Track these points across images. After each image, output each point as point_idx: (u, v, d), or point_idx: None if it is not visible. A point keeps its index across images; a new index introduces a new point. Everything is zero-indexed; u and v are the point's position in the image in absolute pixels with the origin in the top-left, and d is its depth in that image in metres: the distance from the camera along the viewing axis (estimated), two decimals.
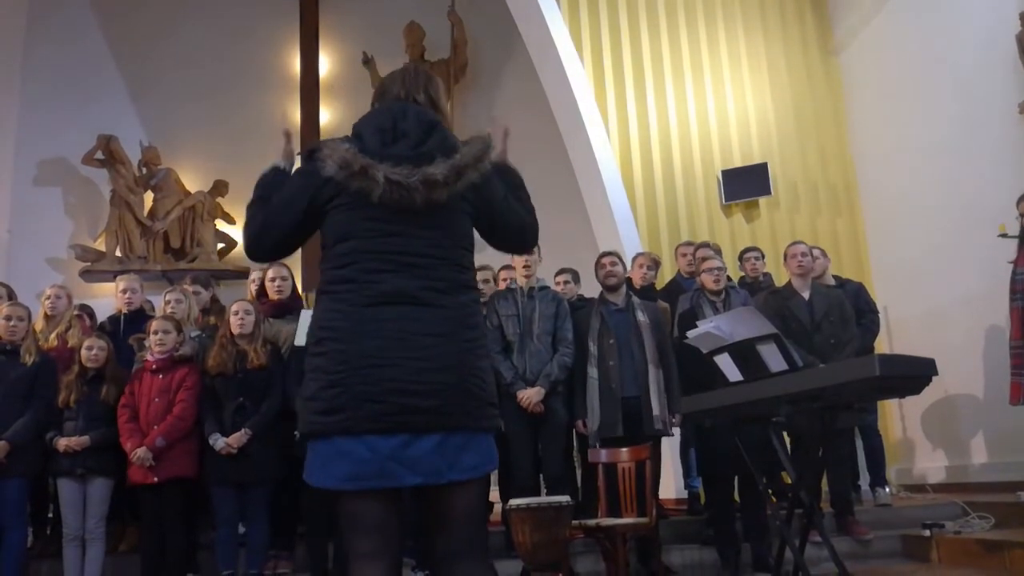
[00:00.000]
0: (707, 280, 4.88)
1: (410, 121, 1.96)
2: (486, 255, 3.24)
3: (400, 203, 1.86)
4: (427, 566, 4.35)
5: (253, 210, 2.04)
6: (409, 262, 1.88)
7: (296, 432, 4.45)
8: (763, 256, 6.01)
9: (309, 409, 1.83)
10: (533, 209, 2.14)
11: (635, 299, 4.89)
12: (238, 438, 4.38)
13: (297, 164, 2.05)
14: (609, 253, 5.00)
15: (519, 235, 2.12)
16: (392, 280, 1.86)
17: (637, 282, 5.51)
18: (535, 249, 4.86)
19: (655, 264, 5.73)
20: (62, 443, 4.36)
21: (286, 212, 1.95)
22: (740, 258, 6.04)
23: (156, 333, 4.48)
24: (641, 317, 4.76)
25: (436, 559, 1.91)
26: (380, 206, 1.86)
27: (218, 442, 4.37)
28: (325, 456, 1.81)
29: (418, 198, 1.86)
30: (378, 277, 1.86)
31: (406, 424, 1.79)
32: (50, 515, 4.86)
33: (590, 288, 5.32)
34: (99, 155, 9.41)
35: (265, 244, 1.99)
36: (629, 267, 5.51)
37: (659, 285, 6.10)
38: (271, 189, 2.03)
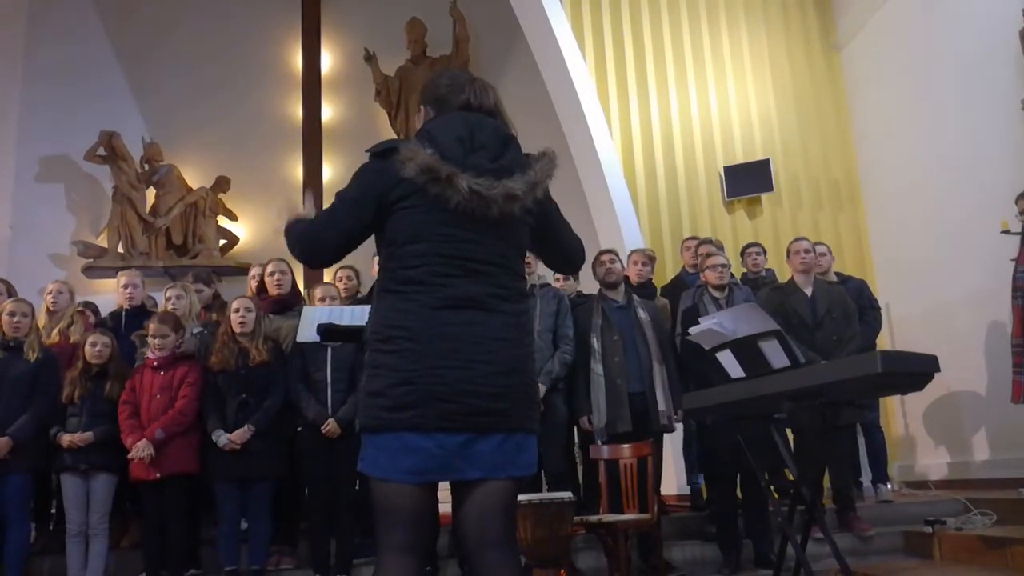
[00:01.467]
0: (710, 276, 4.89)
1: (487, 133, 2.01)
2: None
3: (475, 212, 1.92)
4: (429, 563, 4.36)
5: (298, 229, 2.07)
6: (476, 269, 1.95)
7: (299, 427, 4.51)
8: (764, 252, 6.02)
9: (375, 405, 1.89)
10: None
11: (635, 296, 4.90)
12: (241, 434, 4.39)
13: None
14: (607, 251, 5.00)
15: (573, 250, 2.24)
16: (461, 285, 1.93)
17: (633, 279, 5.49)
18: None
19: (650, 260, 5.71)
20: (65, 439, 4.37)
21: (359, 208, 1.98)
22: (742, 253, 6.04)
23: (154, 337, 4.49)
24: (642, 314, 4.77)
25: (470, 549, 1.96)
26: (454, 212, 1.92)
27: (221, 438, 4.38)
28: (391, 450, 1.88)
29: (495, 209, 1.93)
30: (448, 281, 1.93)
31: (473, 424, 1.88)
32: (53, 511, 4.86)
33: (589, 284, 5.32)
34: (101, 151, 9.41)
35: (328, 243, 2.02)
36: (625, 264, 5.50)
37: (660, 281, 6.10)
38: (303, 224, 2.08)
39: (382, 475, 1.89)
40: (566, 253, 2.25)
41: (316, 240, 2.04)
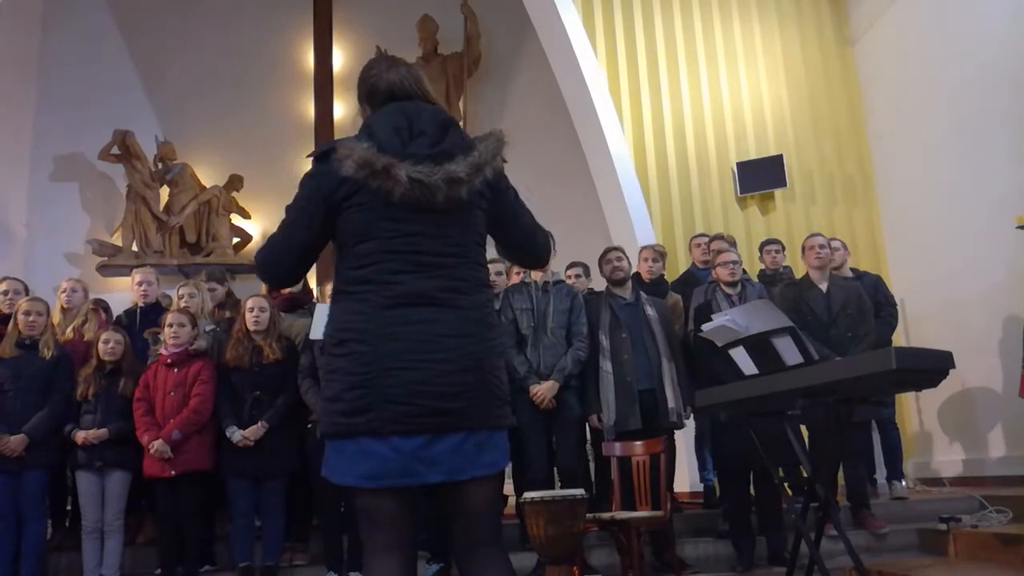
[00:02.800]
0: (722, 273, 4.86)
1: (426, 119, 1.96)
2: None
3: (421, 202, 1.86)
4: (442, 558, 4.37)
5: (257, 256, 2.03)
6: (429, 262, 1.89)
7: (308, 424, 4.52)
8: (783, 248, 5.96)
9: (332, 410, 1.86)
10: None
11: (642, 293, 4.89)
12: (255, 431, 4.42)
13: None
14: (615, 248, 4.99)
15: (533, 240, 2.13)
16: (412, 281, 1.87)
17: (645, 276, 5.46)
18: (550, 243, 4.85)
19: (660, 256, 5.67)
20: (80, 436, 4.41)
21: (307, 217, 1.92)
22: (760, 250, 5.99)
23: (171, 326, 4.51)
24: (650, 311, 4.77)
25: (456, 550, 1.94)
26: (399, 206, 1.86)
27: (235, 435, 4.41)
28: (348, 455, 1.84)
29: (440, 196, 1.87)
30: (398, 278, 1.87)
31: (430, 425, 1.83)
32: (69, 508, 4.90)
33: (600, 282, 5.31)
34: (115, 150, 9.47)
35: (284, 261, 1.97)
36: (635, 261, 5.47)
37: (672, 276, 6.08)
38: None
39: (340, 480, 1.85)
40: (525, 241, 2.13)
41: (273, 262, 1.98)
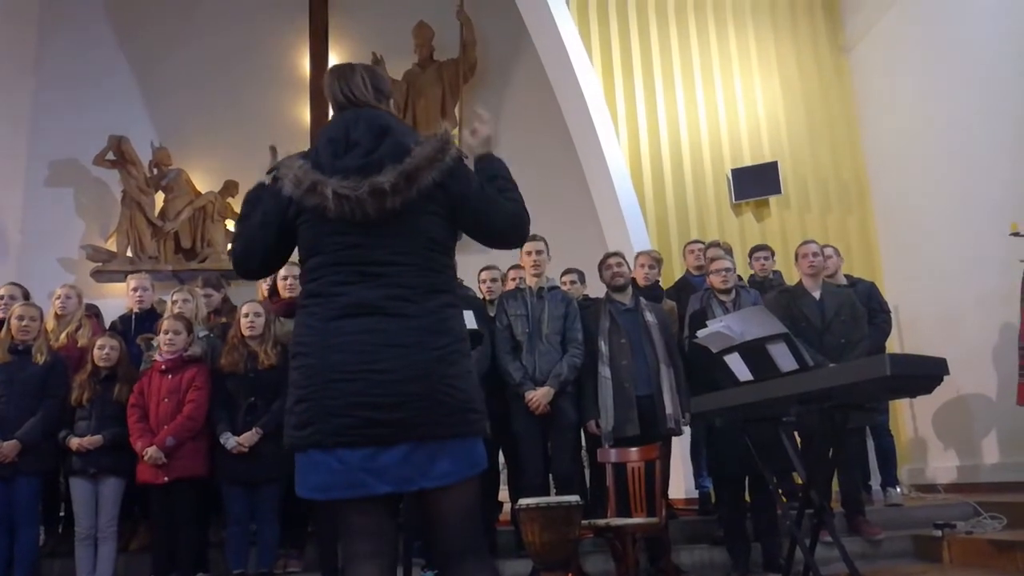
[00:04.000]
0: (715, 280, 4.88)
1: (361, 129, 1.96)
2: (493, 254, 3.25)
3: (354, 216, 1.87)
4: (437, 566, 4.36)
5: (238, 228, 2.10)
6: (371, 272, 1.89)
7: None
8: (773, 255, 5.99)
9: (288, 423, 1.90)
10: (519, 198, 2.05)
11: (642, 299, 4.89)
12: (249, 437, 4.40)
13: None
14: (614, 253, 4.99)
15: (505, 225, 2.03)
16: (355, 292, 1.88)
17: (641, 281, 5.47)
18: (544, 248, 4.87)
19: (657, 262, 5.69)
20: (75, 442, 4.39)
21: (263, 232, 2.00)
22: (750, 257, 6.02)
23: (167, 333, 4.50)
24: (649, 317, 4.76)
25: (438, 559, 1.95)
26: (339, 220, 1.88)
27: (229, 441, 4.39)
28: (303, 467, 1.88)
29: (370, 209, 1.86)
30: (341, 289, 1.88)
31: (371, 436, 1.82)
32: (62, 514, 4.87)
33: (595, 288, 5.31)
34: (110, 156, 9.46)
35: (251, 264, 2.06)
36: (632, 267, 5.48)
37: (668, 283, 6.09)
38: (254, 206, 2.07)
39: (299, 492, 1.90)
40: (494, 228, 2.03)
41: (239, 262, 2.07)
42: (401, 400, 1.81)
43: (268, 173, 2.05)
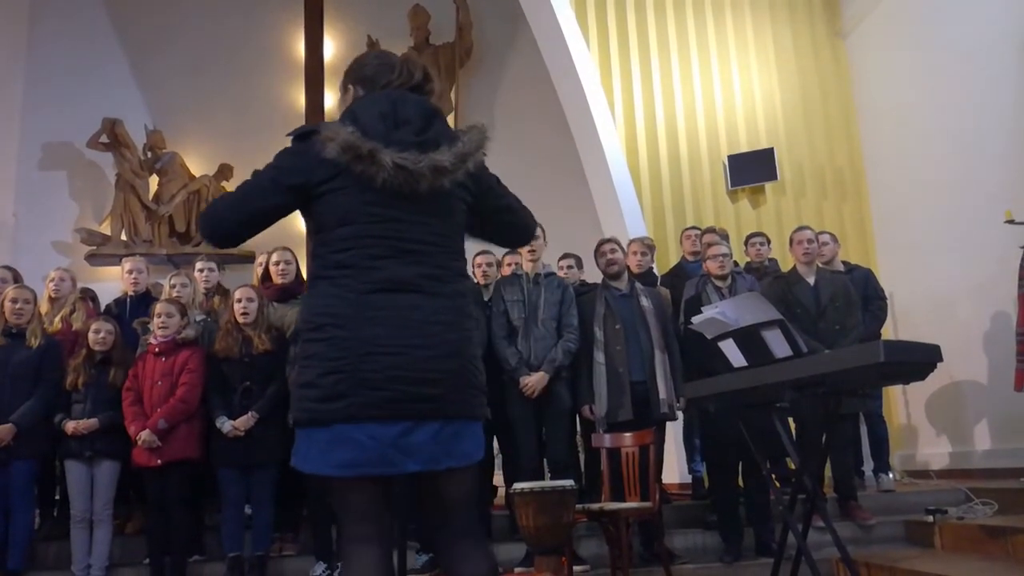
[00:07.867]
0: (712, 266, 4.88)
1: (411, 108, 1.95)
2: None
3: (403, 189, 1.85)
4: (430, 549, 4.38)
5: (207, 209, 2.01)
6: (409, 248, 1.87)
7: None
8: (768, 241, 6.01)
9: (306, 396, 1.82)
10: (523, 205, 2.14)
11: (638, 285, 4.89)
12: (245, 421, 4.41)
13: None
14: (608, 240, 4.98)
15: (519, 220, 2.12)
16: (392, 267, 1.85)
17: (634, 268, 5.46)
18: (540, 234, 4.86)
19: (650, 249, 5.69)
20: (70, 426, 4.39)
21: (271, 191, 1.90)
22: (745, 243, 6.03)
23: (160, 316, 4.50)
24: (645, 303, 4.77)
25: (436, 542, 1.94)
26: (381, 191, 1.84)
27: (225, 425, 4.40)
28: (322, 443, 1.80)
29: (424, 184, 1.85)
30: (378, 263, 1.85)
31: (409, 411, 1.80)
32: (57, 497, 4.88)
33: (592, 274, 5.31)
34: (104, 139, 9.41)
35: (231, 222, 1.93)
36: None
37: (662, 270, 6.09)
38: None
39: (313, 470, 1.81)
40: (510, 227, 2.13)
41: (217, 220, 1.95)
42: (439, 376, 1.82)
43: (290, 135, 1.95)
